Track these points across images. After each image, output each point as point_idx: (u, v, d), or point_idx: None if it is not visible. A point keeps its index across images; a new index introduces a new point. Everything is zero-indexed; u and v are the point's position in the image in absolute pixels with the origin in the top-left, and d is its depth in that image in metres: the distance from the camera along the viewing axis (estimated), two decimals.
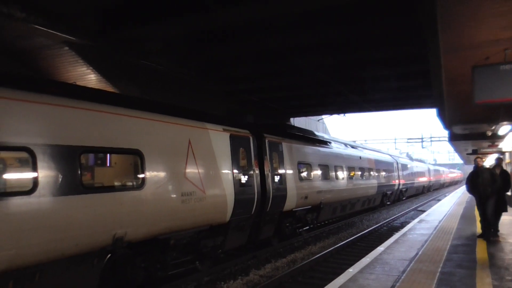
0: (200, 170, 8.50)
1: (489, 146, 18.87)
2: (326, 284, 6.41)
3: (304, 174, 13.57)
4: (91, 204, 6.22)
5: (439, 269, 7.04)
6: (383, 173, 24.82)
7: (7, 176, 5.90)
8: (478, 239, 9.87)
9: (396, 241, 9.99)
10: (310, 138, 15.47)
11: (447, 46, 7.14)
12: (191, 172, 8.26)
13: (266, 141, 11.27)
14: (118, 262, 7.04)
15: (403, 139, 66.33)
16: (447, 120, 14.45)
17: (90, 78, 12.17)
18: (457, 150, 29.82)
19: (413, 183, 36.62)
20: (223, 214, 9.20)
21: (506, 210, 10.24)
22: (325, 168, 15.33)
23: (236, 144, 9.88)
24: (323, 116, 34.75)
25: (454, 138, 18.49)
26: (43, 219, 5.57)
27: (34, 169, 5.50)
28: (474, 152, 20.47)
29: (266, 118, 23.22)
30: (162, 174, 7.55)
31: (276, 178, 11.46)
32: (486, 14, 5.81)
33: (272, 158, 11.45)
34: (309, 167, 13.97)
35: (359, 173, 19.90)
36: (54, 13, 9.64)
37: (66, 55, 11.30)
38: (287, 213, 12.41)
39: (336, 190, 16.15)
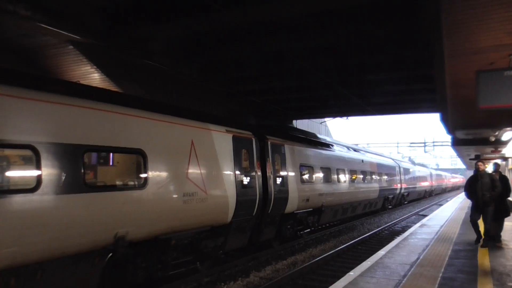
0: (202, 171, 8.51)
1: (492, 152, 18.82)
2: (326, 287, 6.41)
3: (306, 176, 13.57)
4: (93, 203, 6.24)
5: (440, 274, 7.02)
6: (385, 177, 24.77)
7: (11, 173, 5.92)
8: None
9: (397, 245, 9.97)
10: (312, 141, 15.47)
11: (452, 50, 7.13)
12: (194, 172, 8.28)
13: (269, 143, 11.28)
14: (119, 261, 7.04)
15: (405, 143, 66.19)
16: (451, 124, 14.42)
17: (94, 77, 12.19)
18: (459, 155, 29.74)
19: (415, 187, 36.53)
20: (225, 215, 9.20)
21: (509, 215, 10.16)
22: (327, 170, 15.33)
23: (239, 146, 9.90)
24: (326, 119, 34.77)
25: (457, 143, 18.45)
26: (46, 217, 5.58)
27: (38, 167, 5.52)
28: (477, 157, 20.43)
29: (268, 120, 23.20)
30: (164, 174, 7.56)
31: (278, 180, 11.46)
32: (491, 19, 5.80)
33: (274, 160, 11.46)
34: (311, 169, 13.97)
35: (361, 176, 19.87)
36: (59, 12, 9.66)
37: (70, 54, 11.31)
38: (289, 215, 12.41)
39: (337, 193, 16.14)
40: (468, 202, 25.72)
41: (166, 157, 7.68)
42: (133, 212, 6.88)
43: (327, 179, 15.24)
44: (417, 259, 8.31)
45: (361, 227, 18.89)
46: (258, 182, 10.47)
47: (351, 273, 7.20)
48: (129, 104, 7.31)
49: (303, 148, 13.77)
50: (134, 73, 12.98)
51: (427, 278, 6.75)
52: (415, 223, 17.65)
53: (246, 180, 9.95)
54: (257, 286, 8.66)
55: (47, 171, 5.61)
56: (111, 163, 7.56)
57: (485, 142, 16.46)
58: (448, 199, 39.89)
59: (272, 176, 11.12)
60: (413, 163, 49.52)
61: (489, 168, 14.52)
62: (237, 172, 9.65)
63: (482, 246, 9.52)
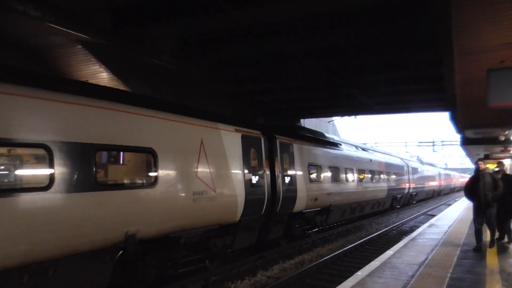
0: (211, 170, 8.57)
1: (502, 151, 18.67)
2: (334, 287, 6.44)
3: (314, 175, 13.59)
4: (105, 201, 6.33)
5: (449, 275, 7.02)
6: (394, 177, 24.68)
7: (25, 172, 6.03)
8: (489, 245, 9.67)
9: (405, 245, 9.96)
10: (321, 140, 15.48)
11: (462, 49, 7.08)
12: (203, 171, 8.34)
13: (277, 142, 11.32)
14: (129, 259, 7.13)
15: (414, 142, 65.72)
16: (460, 124, 14.34)
17: (102, 76, 12.28)
18: (469, 154, 29.53)
19: (424, 187, 36.33)
20: (233, 214, 9.27)
21: None
22: (335, 170, 15.33)
23: (248, 145, 9.95)
24: (334, 118, 34.68)
25: (466, 142, 18.34)
26: (58, 215, 5.67)
27: (51, 165, 5.61)
28: (486, 157, 20.26)
29: (276, 119, 23.21)
30: (174, 172, 7.64)
31: (287, 179, 11.50)
32: (501, 17, 5.76)
33: (283, 159, 11.49)
34: (320, 169, 13.98)
35: (369, 176, 19.83)
36: (68, 12, 9.74)
37: (79, 53, 11.41)
38: (297, 214, 12.44)
39: (346, 192, 16.13)
40: None
41: (176, 156, 7.76)
42: (144, 210, 6.97)
43: (335, 179, 15.24)
44: (426, 259, 8.30)
45: (369, 226, 18.86)
46: (267, 181, 10.52)
47: (359, 273, 7.22)
48: (140, 103, 7.39)
49: (312, 148, 13.78)
50: (142, 72, 13.05)
51: (435, 279, 6.75)
52: (423, 223, 17.57)
53: (254, 179, 10.00)
54: (264, 285, 8.70)
55: (60, 170, 5.70)
56: (122, 162, 7.66)
57: (494, 141, 16.34)
58: (457, 199, 39.59)
59: (280, 175, 11.16)
60: (422, 162, 49.24)
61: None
62: (246, 171, 9.70)
63: (490, 247, 9.42)
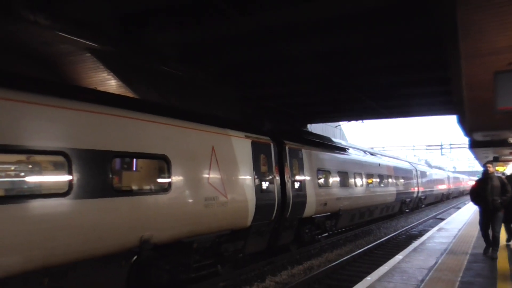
0: (223, 176, 8.72)
1: (511, 153, 18.59)
2: None
3: (323, 181, 13.69)
4: (121, 206, 6.49)
5: (459, 279, 7.05)
6: (402, 181, 24.66)
7: (44, 178, 6.22)
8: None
9: (414, 250, 9.98)
10: (329, 145, 15.58)
11: (468, 52, 7.08)
12: (214, 177, 8.49)
13: (287, 148, 11.45)
14: (143, 264, 7.27)
15: (421, 146, 65.42)
16: (468, 127, 14.33)
17: (111, 83, 12.39)
18: (477, 157, 29.37)
19: (432, 190, 36.16)
20: (244, 219, 9.39)
21: None
22: (344, 175, 15.41)
23: (258, 151, 10.09)
24: (341, 123, 34.67)
25: (474, 145, 18.28)
26: (76, 220, 5.85)
27: (70, 172, 5.79)
28: (495, 159, 20.18)
29: (282, 124, 23.25)
30: (187, 179, 7.80)
31: (296, 185, 11.61)
32: (508, 19, 5.78)
33: (292, 164, 11.61)
34: (328, 174, 14.08)
35: (378, 180, 19.87)
36: (78, 21, 9.90)
37: (88, 61, 11.55)
38: (306, 219, 12.54)
39: (355, 197, 16.20)
40: None
41: (188, 162, 7.92)
42: (158, 216, 7.12)
43: (344, 183, 15.32)
44: (435, 263, 8.34)
45: (377, 231, 18.83)
46: (277, 187, 10.65)
47: (368, 278, 7.25)
48: (153, 111, 7.56)
49: (320, 153, 13.89)
50: (150, 78, 13.11)
51: (445, 283, 6.80)
52: (432, 227, 17.54)
53: (265, 185, 10.13)
54: None
55: (78, 176, 5.88)
56: (137, 169, 7.83)
57: (503, 143, 16.27)
58: (466, 202, 39.29)
59: (290, 180, 11.28)
60: (430, 166, 48.97)
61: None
62: (256, 177, 9.84)
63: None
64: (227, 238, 9.09)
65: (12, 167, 5.92)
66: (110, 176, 6.37)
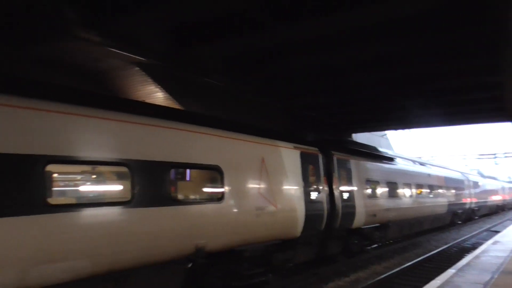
0: (272, 186, 8.86)
1: None
2: None
3: (372, 191, 13.51)
4: (178, 215, 6.79)
5: None
6: (453, 191, 23.82)
7: (110, 187, 6.63)
8: None
9: (468, 264, 9.57)
10: (377, 155, 15.37)
11: None
12: (265, 187, 8.65)
13: (335, 158, 11.44)
14: (197, 271, 7.51)
15: (473, 154, 62.48)
16: None
17: (157, 96, 12.67)
18: None
19: (486, 201, 34.50)
20: (294, 229, 9.47)
21: None
22: (393, 185, 15.13)
23: (306, 161, 10.16)
24: (386, 132, 33.92)
25: None
26: (138, 227, 6.18)
27: (132, 181, 6.14)
28: None
29: (325, 134, 23.06)
30: (239, 189, 8.01)
31: (345, 195, 11.55)
32: None
33: (341, 175, 11.58)
34: (377, 184, 13.88)
35: (428, 190, 19.30)
36: (127, 37, 10.24)
37: (136, 75, 11.88)
38: (355, 230, 12.41)
39: (404, 208, 15.83)
40: None
41: (240, 173, 8.13)
42: (211, 225, 7.36)
43: (393, 194, 15.03)
44: (491, 278, 7.99)
45: (427, 243, 18.18)
46: (326, 197, 10.65)
47: None
48: (207, 123, 7.86)
49: (369, 163, 13.74)
50: (195, 90, 13.34)
51: None
52: (486, 240, 16.71)
53: (313, 195, 10.16)
54: None
55: (139, 186, 6.22)
56: (192, 179, 8.13)
57: None
58: None
59: (338, 191, 11.25)
60: (483, 175, 46.71)
61: None
62: (305, 188, 9.90)
63: None
64: (277, 248, 9.18)
65: (83, 177, 6.37)
66: (168, 185, 6.68)
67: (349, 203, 11.74)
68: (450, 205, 22.53)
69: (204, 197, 7.91)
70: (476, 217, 31.16)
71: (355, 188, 12.21)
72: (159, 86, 12.33)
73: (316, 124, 22.56)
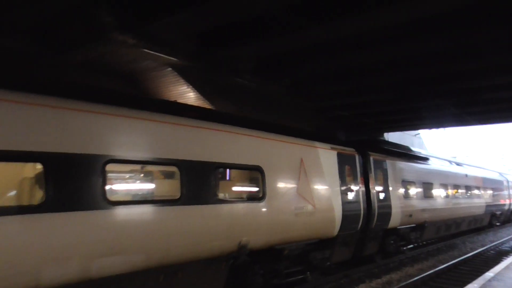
0: (311, 186, 9.05)
1: None
2: None
3: (408, 191, 13.46)
4: (222, 213, 7.09)
5: None
6: (491, 192, 23.25)
7: (162, 186, 7.02)
8: None
9: (507, 267, 9.36)
10: (413, 155, 15.27)
11: None
12: (303, 188, 8.85)
13: (371, 158, 11.51)
14: (240, 268, 7.80)
15: None
16: None
17: (189, 96, 12.88)
18: None
19: None
20: (331, 229, 9.62)
21: None
22: (429, 186, 15.01)
23: (343, 162, 10.29)
24: (419, 131, 33.27)
25: None
26: (186, 224, 6.51)
27: (181, 181, 6.48)
28: None
29: (357, 134, 22.88)
30: (279, 188, 8.25)
31: (381, 195, 11.60)
32: None
33: (377, 175, 11.63)
34: (413, 184, 13.82)
35: (465, 191, 18.96)
36: (160, 38, 10.45)
37: (168, 75, 12.12)
38: (391, 230, 12.42)
39: (441, 208, 15.66)
40: None
41: (280, 173, 8.37)
42: (253, 223, 7.63)
43: (429, 195, 14.92)
44: None
45: (462, 245, 17.75)
46: (362, 197, 10.75)
47: None
48: (248, 125, 8.13)
49: (405, 163, 13.70)
50: (226, 91, 13.45)
51: None
52: None
53: (350, 195, 10.28)
54: None
55: (187, 185, 6.54)
56: (235, 179, 8.44)
57: None
58: None
59: (375, 191, 11.32)
60: None
61: None
62: (342, 188, 10.04)
63: None
64: (315, 247, 9.37)
65: (137, 176, 6.78)
66: (213, 185, 6.99)
67: (385, 203, 11.77)
68: (487, 206, 22.02)
69: (247, 196, 8.19)
70: None
71: (391, 188, 12.23)
72: (191, 87, 12.51)
73: (348, 124, 22.46)
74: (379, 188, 11.62)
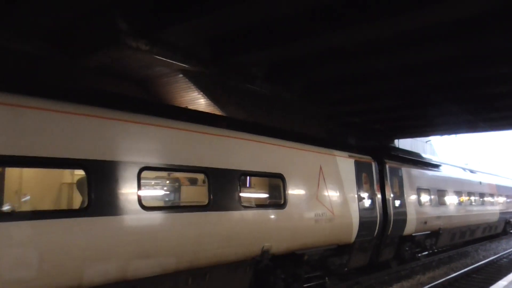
0: (329, 193, 9.31)
1: None
2: None
3: (423, 199, 13.64)
4: (247, 219, 7.39)
5: None
6: (505, 199, 23.25)
7: (190, 192, 7.34)
8: None
9: None
10: (427, 163, 15.45)
11: None
12: (322, 195, 9.12)
13: (387, 166, 11.74)
14: (262, 272, 8.07)
15: None
16: None
17: (200, 102, 13.12)
18: None
19: None
20: (349, 235, 9.86)
21: None
22: (444, 193, 15.18)
23: (360, 170, 10.55)
24: (431, 138, 33.13)
25: None
26: (214, 229, 6.81)
27: (209, 187, 6.78)
28: None
29: (368, 140, 22.69)
30: (299, 195, 8.53)
31: (397, 203, 11.81)
32: None
33: (393, 183, 11.85)
34: (428, 192, 13.99)
35: (479, 198, 19.05)
36: (172, 45, 10.73)
37: (180, 81, 12.41)
38: (407, 237, 12.60)
39: (455, 216, 15.80)
40: None
41: (300, 181, 8.65)
42: (276, 228, 7.92)
43: (444, 202, 15.08)
44: None
45: (475, 253, 17.64)
46: (378, 205, 10.98)
47: None
48: (270, 134, 8.43)
49: (420, 171, 13.90)
50: (237, 97, 13.62)
51: None
52: None
53: (367, 203, 10.52)
54: None
55: (215, 191, 6.85)
56: (258, 186, 8.74)
57: None
58: None
59: (391, 198, 11.54)
60: None
61: None
62: (359, 195, 10.29)
63: None
64: (333, 252, 9.62)
65: (169, 182, 7.11)
66: (239, 192, 7.29)
67: (400, 210, 11.98)
68: (501, 213, 22.04)
69: (269, 203, 8.49)
70: None
71: (406, 196, 12.43)
72: (202, 93, 12.74)
73: (359, 130, 22.48)
74: (395, 195, 11.83)
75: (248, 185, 8.45)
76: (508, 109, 17.44)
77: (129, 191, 5.71)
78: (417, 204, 12.98)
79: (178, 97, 13.29)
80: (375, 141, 22.77)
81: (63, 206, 5.77)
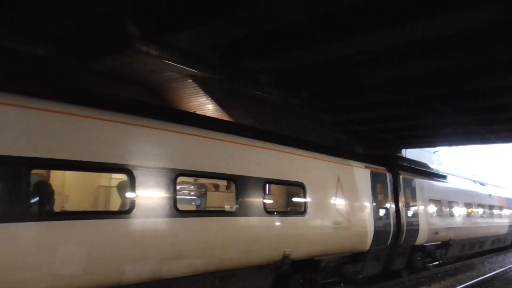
0: (346, 203, 9.66)
1: None
2: None
3: (434, 210, 13.94)
4: (270, 225, 7.75)
5: None
6: None
7: (220, 198, 7.72)
8: None
9: None
10: (439, 175, 15.76)
11: None
12: (340, 204, 9.46)
13: (401, 177, 12.07)
14: (282, 276, 8.40)
15: None
16: None
17: (208, 107, 13.36)
18: None
19: None
20: (364, 243, 10.19)
21: None
22: (454, 204, 15.48)
23: (375, 180, 10.89)
24: (438, 148, 33.05)
25: None
26: (241, 234, 7.17)
27: (236, 194, 7.16)
28: None
29: (375, 149, 22.69)
30: (319, 204, 8.88)
31: (410, 213, 12.12)
32: None
33: (406, 193, 12.18)
34: (439, 203, 14.31)
35: (489, 211, 19.30)
36: (182, 50, 10.96)
37: (189, 86, 12.70)
38: (418, 247, 12.89)
39: (465, 227, 16.08)
40: None
41: (319, 189, 9.01)
42: (297, 235, 8.27)
43: (454, 213, 15.38)
44: None
45: (481, 266, 17.57)
46: (392, 214, 11.31)
47: None
48: (291, 144, 8.81)
49: (432, 182, 14.23)
50: (245, 103, 13.83)
51: None
52: None
53: (381, 212, 10.85)
54: None
55: (242, 198, 7.22)
56: (280, 193, 9.11)
57: None
58: None
59: (404, 209, 11.86)
60: None
61: None
62: (374, 205, 10.63)
63: None
64: (348, 260, 9.94)
65: (200, 188, 7.50)
66: (263, 198, 7.66)
67: (413, 220, 12.28)
68: (511, 226, 22.22)
69: (290, 210, 8.85)
70: None
71: (419, 206, 12.75)
72: (210, 98, 12.99)
73: (366, 138, 22.52)
74: (408, 206, 12.15)
75: (271, 193, 8.81)
76: None
77: (166, 195, 6.08)
78: (429, 215, 13.28)
79: (187, 102, 13.51)
80: (382, 150, 22.77)
81: (106, 207, 6.13)
